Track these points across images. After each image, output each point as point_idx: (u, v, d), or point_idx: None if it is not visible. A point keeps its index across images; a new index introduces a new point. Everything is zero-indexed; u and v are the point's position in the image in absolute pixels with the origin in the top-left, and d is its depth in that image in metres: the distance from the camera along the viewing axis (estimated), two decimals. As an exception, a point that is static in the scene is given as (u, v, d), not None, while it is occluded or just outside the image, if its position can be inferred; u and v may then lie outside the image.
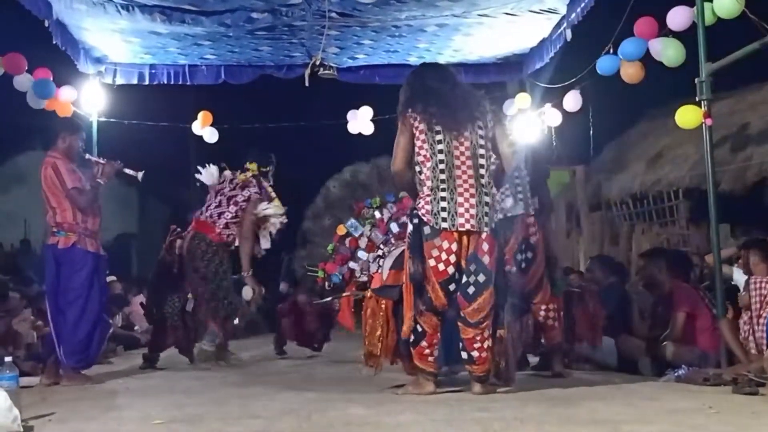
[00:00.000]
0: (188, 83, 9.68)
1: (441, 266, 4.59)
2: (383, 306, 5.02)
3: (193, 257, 7.02)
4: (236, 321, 7.27)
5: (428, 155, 4.65)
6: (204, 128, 10.17)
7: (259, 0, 7.57)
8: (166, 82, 9.60)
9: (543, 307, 5.65)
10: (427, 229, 4.61)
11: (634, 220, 11.21)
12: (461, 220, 4.57)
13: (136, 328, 10.20)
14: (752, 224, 8.46)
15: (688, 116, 6.08)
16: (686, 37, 6.30)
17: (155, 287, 7.89)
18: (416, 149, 4.70)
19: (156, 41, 8.63)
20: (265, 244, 7.21)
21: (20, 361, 6.03)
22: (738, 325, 5.68)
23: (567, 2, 7.67)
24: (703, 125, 5.78)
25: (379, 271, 5.47)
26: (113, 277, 10.57)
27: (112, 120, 9.66)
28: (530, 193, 5.67)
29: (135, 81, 9.54)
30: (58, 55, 8.16)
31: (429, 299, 4.63)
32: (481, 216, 4.60)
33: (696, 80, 5.75)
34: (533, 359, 6.45)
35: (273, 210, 7.19)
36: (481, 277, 4.59)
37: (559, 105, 8.88)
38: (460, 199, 4.60)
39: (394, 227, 5.96)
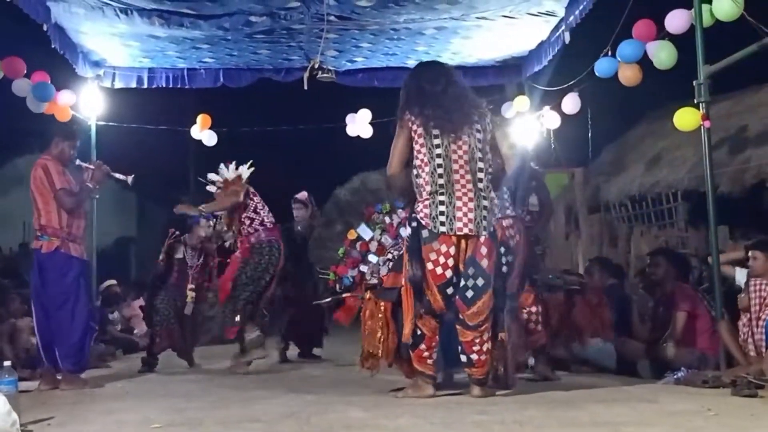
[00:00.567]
0: (187, 87, 9.67)
1: (439, 270, 4.59)
2: (382, 308, 5.02)
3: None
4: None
5: (426, 159, 4.64)
6: (203, 131, 10.17)
7: (258, 4, 7.57)
8: (164, 85, 9.60)
9: (525, 309, 5.63)
10: (425, 233, 4.61)
11: (633, 223, 11.21)
12: (459, 224, 4.58)
13: (135, 331, 10.20)
14: (751, 226, 8.46)
15: (686, 118, 6.08)
16: (684, 39, 6.30)
17: (154, 290, 7.92)
18: (414, 153, 4.70)
19: (154, 45, 8.63)
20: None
21: (19, 366, 6.02)
22: (737, 327, 5.68)
23: (565, 5, 7.67)
24: (702, 127, 5.79)
25: (388, 273, 5.48)
26: (113, 281, 10.58)
27: (110, 123, 9.65)
28: (508, 193, 5.58)
29: (134, 84, 9.54)
30: (57, 59, 8.16)
31: (428, 302, 4.63)
32: (480, 220, 4.60)
33: (694, 82, 5.76)
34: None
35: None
36: (480, 281, 4.59)
37: (557, 107, 8.88)
38: (459, 203, 4.60)
39: (404, 232, 5.99)
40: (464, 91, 4.89)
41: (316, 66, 8.86)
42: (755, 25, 5.47)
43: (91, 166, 6.14)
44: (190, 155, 19.57)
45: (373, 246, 5.72)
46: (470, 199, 4.62)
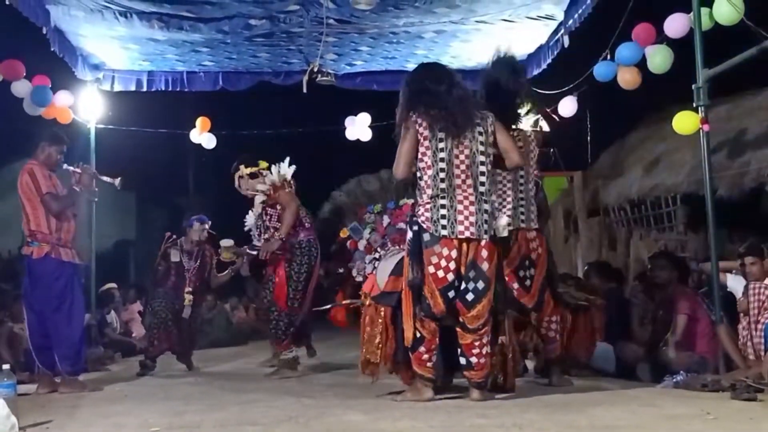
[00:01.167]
0: (186, 90, 9.66)
1: (440, 273, 4.60)
2: (382, 313, 5.02)
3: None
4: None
5: (430, 163, 4.65)
6: (202, 135, 10.17)
7: (257, 7, 7.57)
8: (164, 88, 9.59)
9: (546, 319, 5.63)
10: (426, 236, 4.61)
11: (632, 226, 11.19)
12: (461, 228, 4.58)
13: (133, 334, 10.19)
14: (750, 230, 8.45)
15: (685, 122, 6.09)
16: (683, 43, 6.31)
17: (152, 294, 7.94)
18: (419, 155, 4.70)
19: (154, 48, 8.63)
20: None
21: (19, 370, 6.03)
22: (736, 331, 5.68)
23: (564, 9, 7.67)
24: (701, 131, 5.79)
25: (374, 272, 5.49)
26: (113, 284, 10.57)
27: (110, 127, 9.65)
28: (535, 206, 5.62)
29: (133, 88, 9.53)
30: (56, 62, 8.16)
31: (427, 305, 4.63)
32: (481, 223, 4.61)
33: (693, 86, 5.76)
34: (530, 364, 6.45)
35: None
36: (480, 284, 4.59)
37: (556, 111, 8.89)
38: (460, 207, 4.60)
39: (392, 232, 6.01)
40: (467, 93, 4.88)
41: (316, 69, 8.86)
42: (754, 29, 5.47)
43: (78, 170, 6.12)
44: (190, 158, 19.61)
45: (362, 244, 5.76)
46: (471, 203, 4.62)
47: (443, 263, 4.59)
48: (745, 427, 3.75)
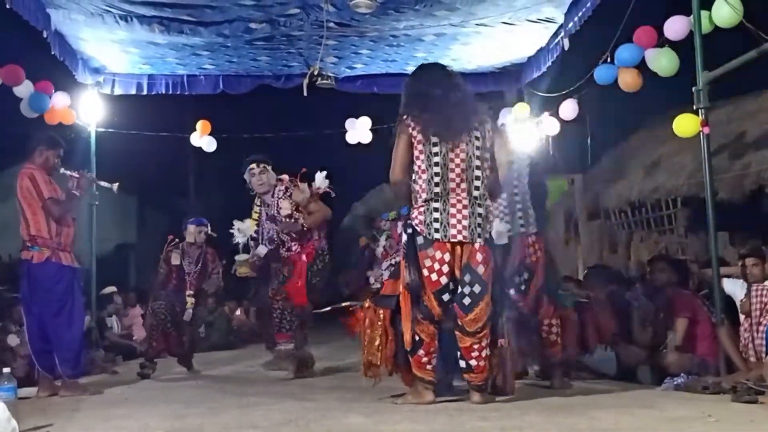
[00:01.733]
0: (187, 93, 9.68)
1: (434, 276, 4.60)
2: (381, 316, 5.02)
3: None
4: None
5: (424, 167, 4.65)
6: (202, 138, 10.17)
7: (258, 10, 7.58)
8: (164, 92, 9.61)
9: (545, 321, 5.62)
10: (420, 239, 4.62)
11: (633, 229, 11.22)
12: (453, 231, 4.58)
13: (134, 338, 10.20)
14: (750, 232, 8.46)
15: (685, 125, 6.09)
16: (683, 46, 6.31)
17: (153, 296, 7.95)
18: (414, 158, 4.70)
19: (154, 51, 8.64)
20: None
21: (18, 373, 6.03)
22: (737, 333, 5.68)
23: (564, 11, 7.68)
24: (701, 134, 5.79)
25: (390, 278, 5.50)
26: (113, 288, 10.58)
27: (110, 130, 9.66)
28: (533, 209, 5.62)
29: (133, 91, 9.54)
30: (57, 66, 8.17)
31: (426, 308, 4.63)
32: (474, 227, 4.61)
33: (693, 89, 5.76)
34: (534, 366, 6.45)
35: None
36: (477, 288, 4.59)
37: (556, 114, 8.89)
38: (453, 210, 4.60)
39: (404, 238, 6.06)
40: (464, 96, 4.85)
41: (316, 72, 8.87)
42: (754, 32, 5.47)
43: (76, 174, 6.13)
44: (190, 162, 19.62)
45: (379, 252, 5.80)
46: (464, 206, 4.62)
47: (436, 266, 4.60)
48: (746, 430, 3.75)
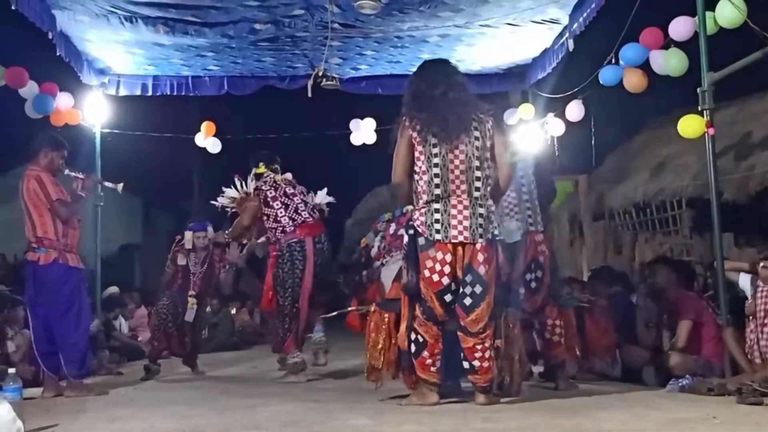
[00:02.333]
0: (191, 94, 9.70)
1: (435, 277, 4.60)
2: (386, 319, 5.03)
3: (323, 262, 6.95)
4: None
5: (425, 168, 4.65)
6: (207, 139, 10.19)
7: (262, 11, 7.59)
8: (169, 93, 9.63)
9: (549, 322, 5.62)
10: (421, 240, 4.63)
11: (638, 230, 11.19)
12: (454, 232, 4.58)
13: (139, 339, 10.20)
14: (756, 233, 8.44)
15: (690, 125, 6.08)
16: (688, 46, 6.30)
17: (159, 296, 7.96)
18: (415, 159, 4.70)
19: (159, 52, 8.66)
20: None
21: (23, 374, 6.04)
22: (743, 335, 5.66)
23: (569, 12, 7.68)
24: (706, 134, 5.78)
25: (378, 277, 5.50)
26: (115, 288, 10.60)
27: (115, 131, 9.68)
28: (540, 207, 5.62)
29: (138, 92, 9.57)
30: (62, 67, 8.19)
31: (429, 308, 4.63)
32: (475, 228, 4.60)
33: (698, 90, 5.74)
34: (536, 368, 6.44)
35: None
36: (478, 288, 4.59)
37: (561, 115, 8.89)
38: (454, 211, 4.60)
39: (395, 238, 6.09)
40: (464, 95, 4.82)
41: (320, 73, 8.89)
42: (759, 32, 5.46)
43: (80, 176, 6.14)
44: (195, 162, 19.64)
45: (374, 252, 5.83)
46: (465, 207, 4.61)
47: (438, 267, 4.60)
48: (750, 431, 3.74)
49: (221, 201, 7.27)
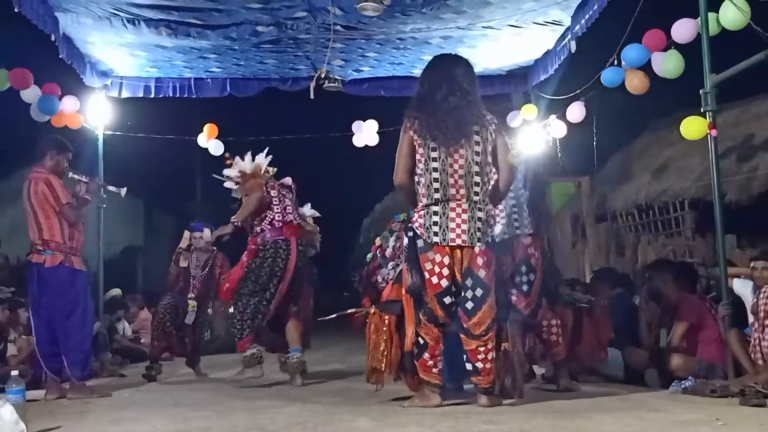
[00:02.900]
0: (194, 96, 9.71)
1: (434, 279, 4.61)
2: (386, 321, 5.03)
3: (303, 266, 6.82)
4: None
5: (423, 171, 4.66)
6: (209, 141, 10.20)
7: (265, 14, 7.60)
8: (171, 95, 9.64)
9: (545, 323, 5.61)
10: (420, 242, 4.64)
11: (640, 231, 11.19)
12: (452, 235, 4.59)
13: (142, 341, 10.22)
14: (759, 235, 8.43)
15: (693, 127, 6.08)
16: (691, 48, 6.30)
17: (161, 297, 7.98)
18: (416, 161, 4.71)
19: (162, 55, 8.67)
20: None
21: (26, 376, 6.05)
22: (745, 337, 5.65)
23: (571, 14, 7.68)
24: (708, 136, 5.78)
25: (391, 278, 5.51)
26: (117, 290, 10.61)
27: (118, 133, 9.69)
28: (528, 211, 5.58)
29: (141, 94, 9.58)
30: (65, 69, 8.20)
31: (429, 310, 4.64)
32: (474, 231, 4.60)
33: (701, 91, 5.74)
34: (539, 370, 6.44)
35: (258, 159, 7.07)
36: (479, 291, 4.59)
37: (563, 116, 8.89)
38: (452, 215, 4.61)
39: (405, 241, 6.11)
40: (466, 99, 4.77)
41: (323, 75, 8.90)
42: (762, 34, 5.46)
43: (84, 179, 6.16)
44: (197, 164, 19.67)
45: (388, 252, 5.84)
46: (464, 210, 4.62)
47: (437, 269, 4.60)
48: (754, 433, 3.74)
49: (228, 173, 6.96)
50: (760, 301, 5.56)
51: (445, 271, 4.60)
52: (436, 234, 4.60)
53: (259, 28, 7.91)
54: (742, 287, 6.01)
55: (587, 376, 6.35)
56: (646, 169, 11.75)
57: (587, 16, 7.39)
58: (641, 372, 6.37)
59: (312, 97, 9.01)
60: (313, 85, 8.96)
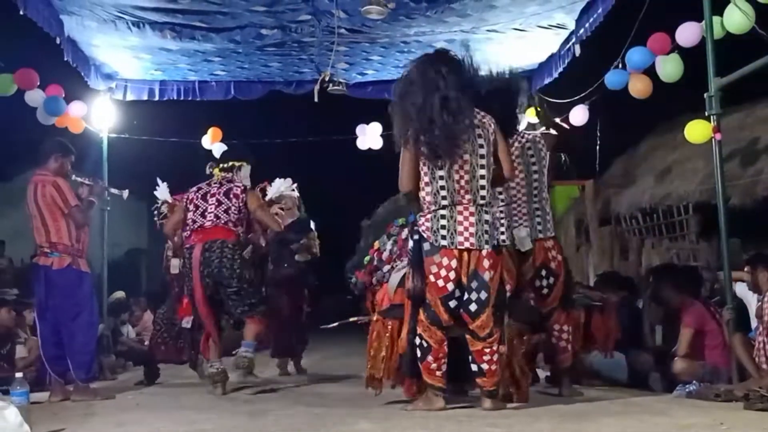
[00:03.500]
0: (198, 99, 9.70)
1: (441, 282, 4.61)
2: (389, 327, 5.03)
3: (219, 270, 6.19)
4: None
5: (429, 180, 4.67)
6: (213, 144, 10.19)
7: (269, 17, 7.60)
8: (176, 98, 9.64)
9: (557, 327, 5.61)
10: (426, 246, 4.64)
11: (644, 235, 11.18)
12: (460, 239, 4.59)
13: (146, 343, 10.21)
14: (763, 238, 8.42)
15: (697, 131, 6.07)
16: (695, 52, 6.30)
17: (159, 303, 8.01)
18: (420, 170, 4.72)
19: (166, 57, 8.68)
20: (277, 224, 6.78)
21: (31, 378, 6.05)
22: (749, 341, 5.64)
23: (575, 18, 7.67)
24: (713, 140, 5.77)
25: (387, 280, 5.51)
26: (121, 293, 10.60)
27: (122, 136, 9.70)
28: (550, 214, 5.62)
29: (145, 97, 9.58)
30: (69, 72, 8.21)
31: (433, 313, 4.64)
32: (481, 234, 4.62)
33: (705, 95, 5.73)
34: (542, 373, 6.44)
35: (282, 186, 6.97)
36: (483, 294, 4.59)
37: (567, 120, 8.88)
38: (460, 218, 4.62)
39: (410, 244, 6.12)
40: (459, 104, 4.66)
41: (327, 78, 8.90)
42: (766, 38, 5.46)
43: (87, 182, 6.18)
44: (201, 167, 19.64)
45: (385, 255, 5.85)
46: (471, 214, 4.64)
47: (443, 273, 4.61)
48: (758, 438, 3.73)
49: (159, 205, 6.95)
50: (764, 305, 5.55)
51: (452, 275, 4.60)
52: (444, 237, 4.60)
53: (264, 31, 7.92)
54: (744, 291, 6.01)
55: (591, 380, 6.35)
56: (650, 173, 11.76)
57: (591, 20, 7.39)
58: (645, 376, 6.36)
59: (316, 100, 9.01)
60: (317, 88, 8.96)
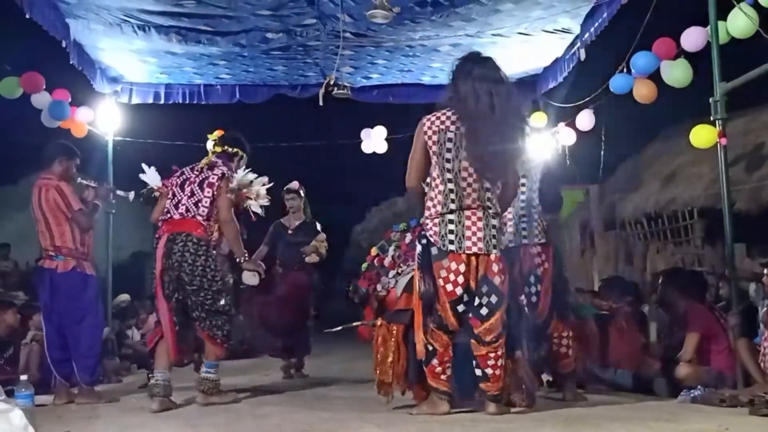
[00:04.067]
0: (203, 102, 9.73)
1: (449, 287, 4.59)
2: (394, 332, 5.02)
3: (180, 264, 5.69)
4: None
5: (438, 181, 4.66)
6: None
7: (274, 21, 7.62)
8: (181, 101, 9.66)
9: (555, 335, 5.59)
10: (434, 250, 4.62)
11: (649, 240, 11.18)
12: (468, 243, 4.58)
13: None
14: (768, 243, 8.41)
15: (702, 136, 6.07)
16: (700, 56, 6.29)
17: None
18: (430, 167, 4.70)
19: (172, 61, 8.70)
20: (259, 210, 6.42)
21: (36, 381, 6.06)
22: (755, 346, 5.63)
23: (580, 22, 7.68)
24: (718, 145, 5.76)
25: (395, 286, 5.50)
26: (126, 296, 10.62)
27: (127, 139, 9.72)
28: (538, 221, 5.55)
29: (151, 100, 9.61)
30: (75, 75, 8.24)
31: (439, 317, 4.63)
32: (489, 239, 4.60)
33: (710, 100, 5.73)
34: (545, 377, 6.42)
35: (249, 176, 6.55)
36: (494, 298, 4.58)
37: (572, 124, 8.88)
38: (468, 223, 4.60)
39: (412, 248, 6.10)
40: (497, 126, 4.71)
41: (332, 82, 8.90)
42: (771, 43, 5.45)
43: (93, 184, 6.20)
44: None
45: (387, 261, 5.83)
46: (479, 219, 4.62)
47: (452, 277, 4.60)
48: (763, 443, 3.72)
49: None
50: (768, 309, 5.54)
51: (460, 279, 4.59)
52: (451, 242, 4.59)
53: (269, 35, 7.94)
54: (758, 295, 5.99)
55: (596, 385, 6.33)
56: (655, 178, 11.75)
57: (596, 24, 7.39)
58: (650, 381, 6.35)
59: (321, 103, 9.01)
60: (322, 91, 8.97)
